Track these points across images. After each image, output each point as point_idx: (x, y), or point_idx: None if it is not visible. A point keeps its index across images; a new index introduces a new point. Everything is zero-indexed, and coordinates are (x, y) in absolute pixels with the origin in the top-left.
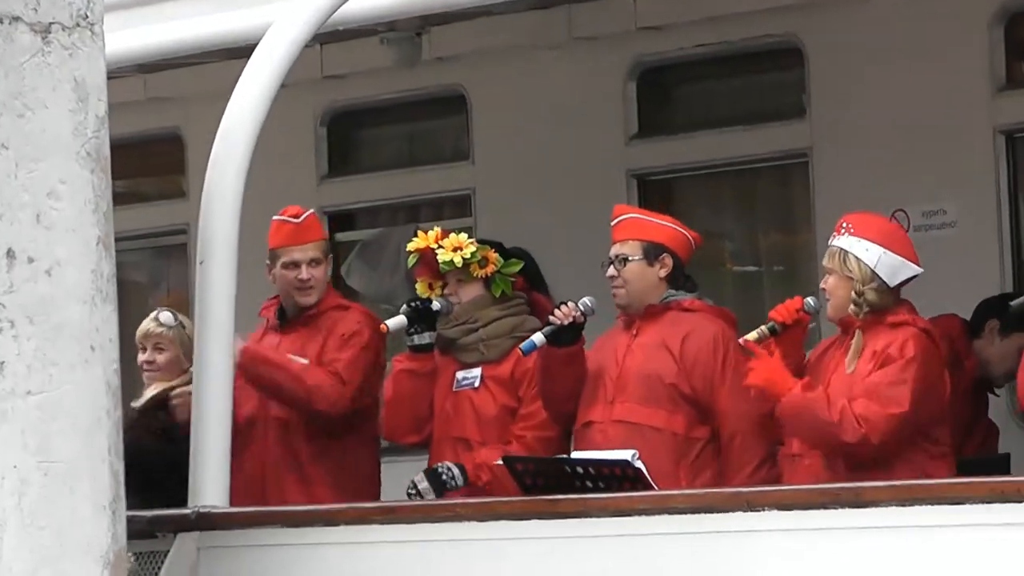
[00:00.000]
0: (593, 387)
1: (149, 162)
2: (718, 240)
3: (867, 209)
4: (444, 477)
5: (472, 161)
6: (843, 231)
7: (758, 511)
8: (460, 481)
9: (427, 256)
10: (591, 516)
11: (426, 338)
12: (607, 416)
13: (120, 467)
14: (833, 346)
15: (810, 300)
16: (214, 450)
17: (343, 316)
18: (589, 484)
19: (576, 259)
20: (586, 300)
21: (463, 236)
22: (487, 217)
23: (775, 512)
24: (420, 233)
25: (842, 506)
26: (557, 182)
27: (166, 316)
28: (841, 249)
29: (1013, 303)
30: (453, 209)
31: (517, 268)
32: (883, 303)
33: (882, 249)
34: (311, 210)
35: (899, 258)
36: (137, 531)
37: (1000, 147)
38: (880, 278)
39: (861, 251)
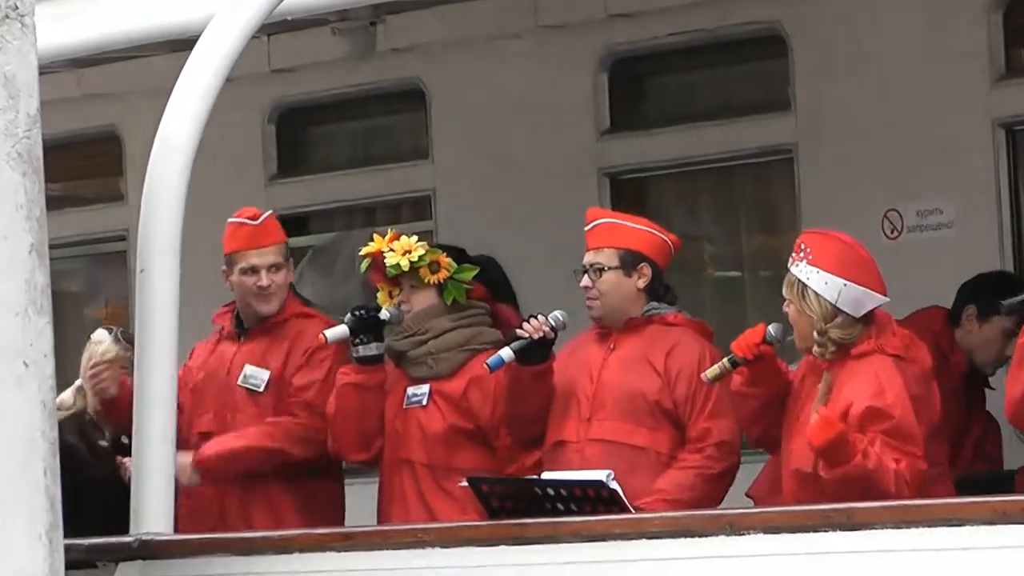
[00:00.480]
0: (564, 404)
1: (85, 163)
2: (697, 243)
3: (858, 210)
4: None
5: (432, 160)
6: (801, 255)
7: (742, 535)
8: None
9: (379, 261)
10: (563, 541)
11: (372, 349)
12: (583, 435)
13: (57, 492)
14: (808, 375)
15: (772, 329)
16: (157, 472)
17: (306, 327)
18: (561, 507)
19: (545, 265)
20: (557, 314)
21: (413, 239)
22: (448, 220)
23: (760, 535)
24: (376, 237)
25: (833, 529)
26: (524, 182)
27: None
28: (799, 281)
29: (1005, 302)
30: (412, 211)
31: (471, 274)
32: (850, 336)
33: (842, 281)
34: (270, 211)
35: (862, 289)
36: (76, 561)
37: (1000, 141)
38: (844, 312)
39: (820, 285)
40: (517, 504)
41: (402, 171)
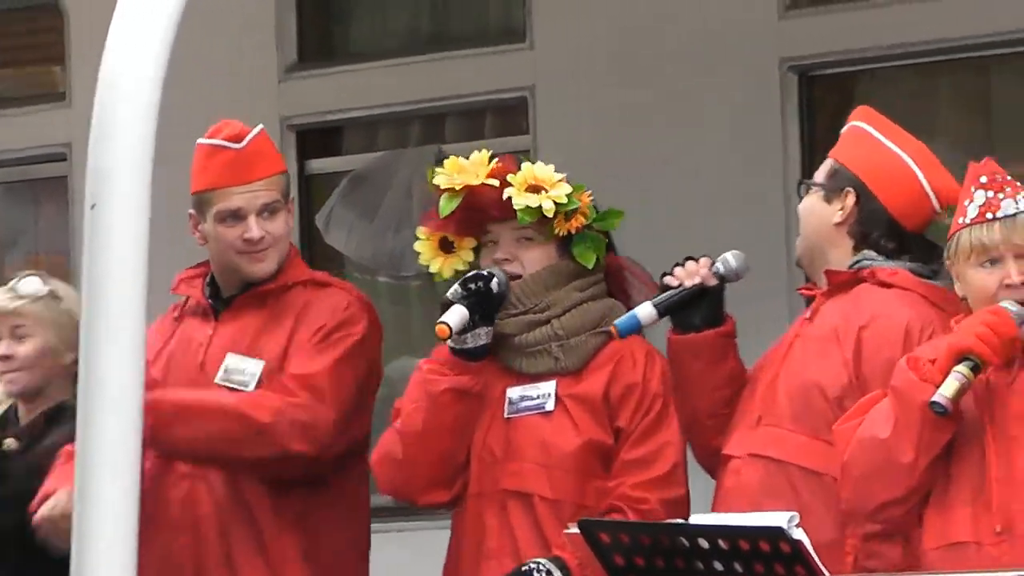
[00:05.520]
0: (745, 402)
1: (10, 44)
2: None
3: None
4: None
5: (530, 44)
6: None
7: None
8: None
9: (484, 199)
10: None
11: (482, 337)
12: (747, 447)
13: None
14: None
15: (1012, 308)
16: (112, 511)
17: (317, 299)
18: (718, 567)
19: (699, 204)
20: (728, 256)
21: (540, 167)
22: (554, 133)
23: None
24: (454, 161)
25: None
26: (668, 78)
27: (30, 284)
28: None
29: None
30: (499, 121)
31: (617, 221)
32: None
33: None
34: (259, 126)
35: None
36: None
37: None
38: None
39: None
40: (651, 561)
41: (485, 60)
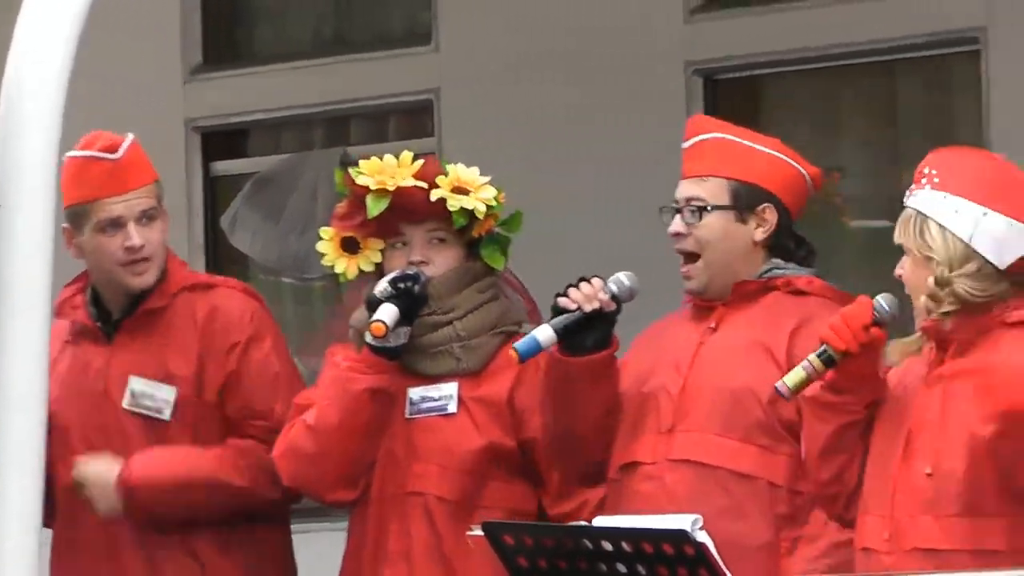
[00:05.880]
0: (639, 410)
1: None
2: (831, 175)
3: None
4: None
5: (436, 46)
6: (924, 180)
7: None
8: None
9: (412, 200)
10: None
11: (402, 337)
12: (663, 453)
13: None
14: (916, 366)
15: (883, 301)
16: (16, 511)
17: (215, 308)
18: (622, 569)
19: (601, 209)
20: (621, 276)
21: (463, 169)
22: (459, 135)
23: None
24: (375, 162)
25: None
26: (573, 81)
27: None
28: (917, 214)
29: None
30: (404, 123)
31: (519, 224)
32: (984, 292)
33: (981, 209)
34: (130, 136)
35: (1010, 222)
36: None
37: None
38: (980, 256)
39: (947, 215)
40: (554, 563)
41: (391, 63)
